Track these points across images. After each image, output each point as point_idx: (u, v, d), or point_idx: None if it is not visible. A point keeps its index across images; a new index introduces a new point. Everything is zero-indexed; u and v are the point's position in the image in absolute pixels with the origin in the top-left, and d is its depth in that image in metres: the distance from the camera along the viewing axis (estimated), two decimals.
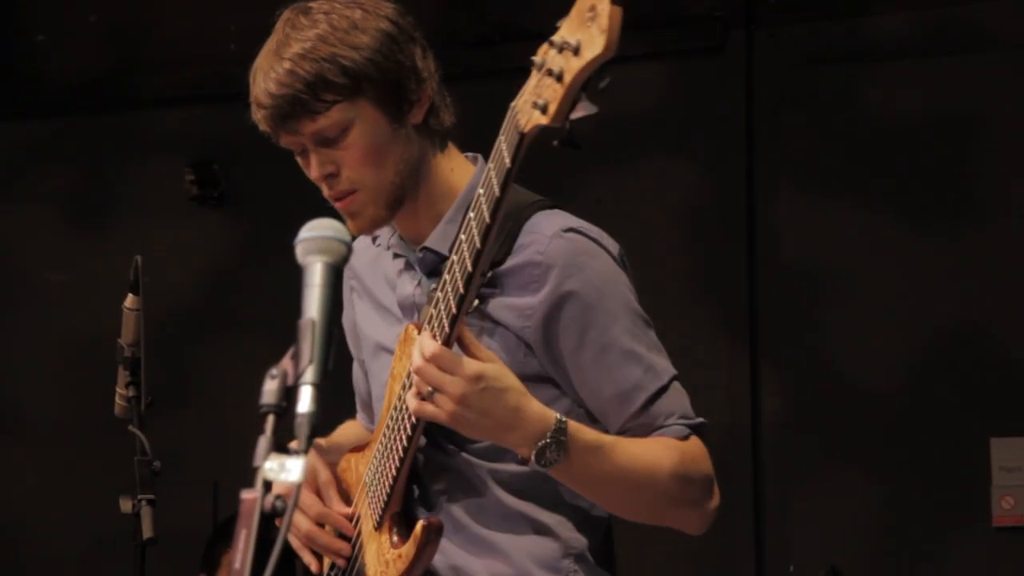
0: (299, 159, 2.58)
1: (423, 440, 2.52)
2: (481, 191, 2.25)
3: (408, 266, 2.60)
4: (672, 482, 2.44)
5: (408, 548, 2.49)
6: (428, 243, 2.55)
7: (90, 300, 5.65)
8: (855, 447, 5.15)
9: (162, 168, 5.85)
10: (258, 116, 2.57)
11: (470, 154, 2.63)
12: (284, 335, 1.83)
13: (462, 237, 2.30)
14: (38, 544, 5.82)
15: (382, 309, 2.66)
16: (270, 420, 1.79)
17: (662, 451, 2.45)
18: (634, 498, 2.45)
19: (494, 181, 2.22)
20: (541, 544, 2.52)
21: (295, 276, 1.88)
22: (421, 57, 2.53)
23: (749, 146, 5.31)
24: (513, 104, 2.18)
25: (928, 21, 5.21)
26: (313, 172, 2.54)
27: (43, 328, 5.92)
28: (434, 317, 2.36)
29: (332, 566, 2.68)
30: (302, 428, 1.77)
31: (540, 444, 2.34)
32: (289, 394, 1.80)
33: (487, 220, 2.24)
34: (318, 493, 2.65)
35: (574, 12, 2.10)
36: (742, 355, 5.22)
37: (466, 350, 2.34)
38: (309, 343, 1.80)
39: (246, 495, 1.76)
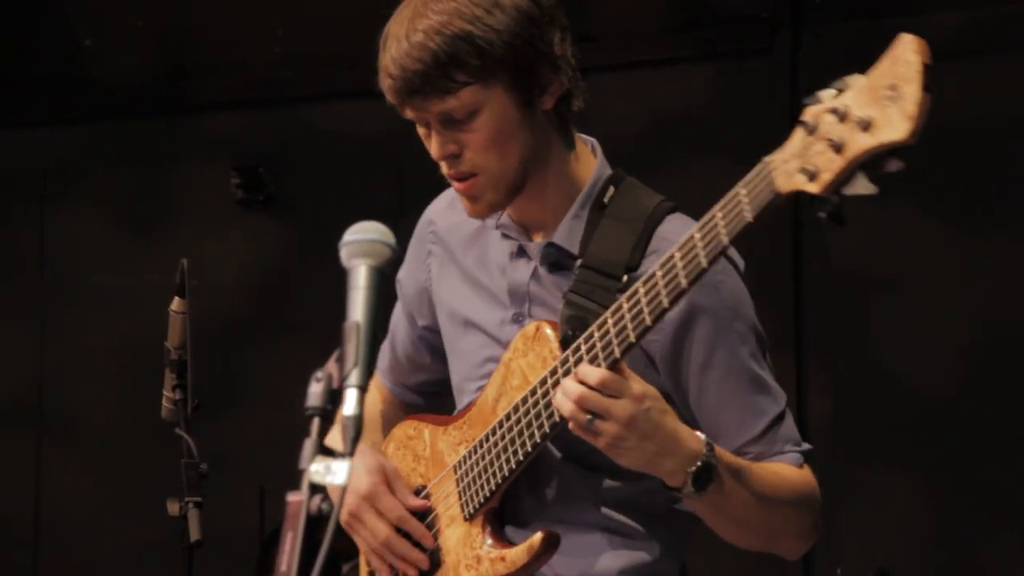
0: (420, 131, 2.49)
1: None
2: (700, 234, 2.14)
3: (522, 252, 2.51)
4: (793, 511, 2.43)
5: (518, 555, 2.43)
6: (555, 239, 2.46)
7: (137, 303, 5.68)
8: (903, 450, 5.12)
9: (208, 172, 5.87)
10: (384, 85, 2.48)
11: (586, 138, 2.53)
12: (329, 338, 1.83)
13: (658, 272, 2.19)
14: (87, 546, 5.84)
15: (478, 287, 2.57)
16: (315, 423, 1.79)
17: (785, 480, 2.43)
18: (760, 524, 2.41)
19: (722, 229, 2.12)
20: (629, 559, 2.49)
21: (340, 279, 1.88)
22: (559, 41, 2.42)
23: None
24: (768, 159, 2.08)
25: (976, 21, 5.18)
26: (435, 151, 2.45)
27: (92, 331, 5.95)
28: (597, 337, 2.27)
29: None
30: (348, 431, 1.77)
31: (695, 468, 2.29)
32: (334, 397, 1.80)
33: (704, 265, 2.14)
34: (391, 490, 2.56)
35: (867, 83, 2.01)
36: (789, 359, 5.20)
37: (623, 375, 2.28)
38: (354, 346, 1.80)
39: (292, 497, 1.76)
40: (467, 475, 2.49)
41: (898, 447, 5.13)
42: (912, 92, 1.96)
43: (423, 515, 2.57)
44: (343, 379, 1.80)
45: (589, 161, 2.50)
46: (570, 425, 2.29)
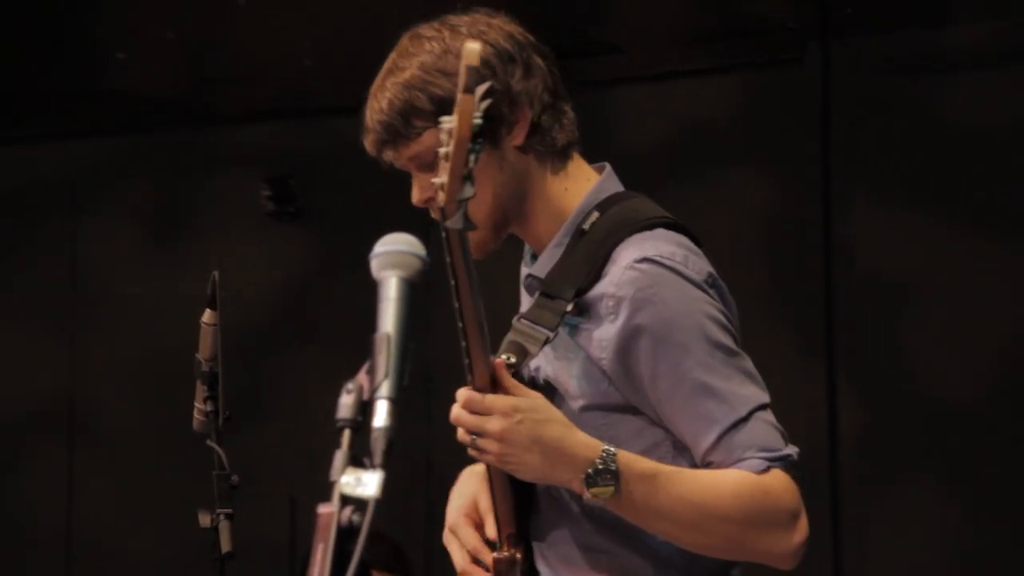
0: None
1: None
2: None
3: (531, 286, 2.61)
4: (738, 515, 2.38)
5: None
6: (532, 269, 2.55)
7: (168, 315, 5.69)
8: (935, 461, 5.10)
9: (239, 184, 5.89)
10: (365, 142, 2.66)
11: (598, 165, 2.59)
12: (360, 349, 1.83)
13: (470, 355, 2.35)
14: (118, 558, 5.86)
15: None
16: (346, 434, 1.79)
17: (729, 484, 2.38)
18: (700, 530, 2.39)
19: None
20: (648, 571, 2.48)
21: (371, 291, 1.88)
22: (521, 79, 2.51)
23: (825, 158, 5.28)
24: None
25: (1006, 31, 5.17)
26: (414, 197, 2.59)
27: (123, 343, 5.97)
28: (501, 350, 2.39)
29: None
30: (378, 442, 1.78)
31: (587, 473, 2.32)
32: (365, 408, 1.80)
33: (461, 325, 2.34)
34: (480, 522, 2.65)
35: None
36: (819, 369, 5.19)
37: (506, 390, 2.34)
38: (384, 357, 1.81)
39: (323, 509, 1.76)
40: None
41: (930, 459, 5.11)
42: (457, 97, 2.18)
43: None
44: (374, 391, 1.80)
45: (582, 188, 2.55)
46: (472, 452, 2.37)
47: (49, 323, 6.06)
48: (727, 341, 2.44)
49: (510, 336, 2.45)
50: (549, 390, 2.47)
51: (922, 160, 5.20)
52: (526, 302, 2.61)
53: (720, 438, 2.40)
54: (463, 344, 2.38)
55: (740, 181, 5.32)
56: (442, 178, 2.18)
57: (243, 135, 5.97)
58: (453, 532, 2.62)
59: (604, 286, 2.43)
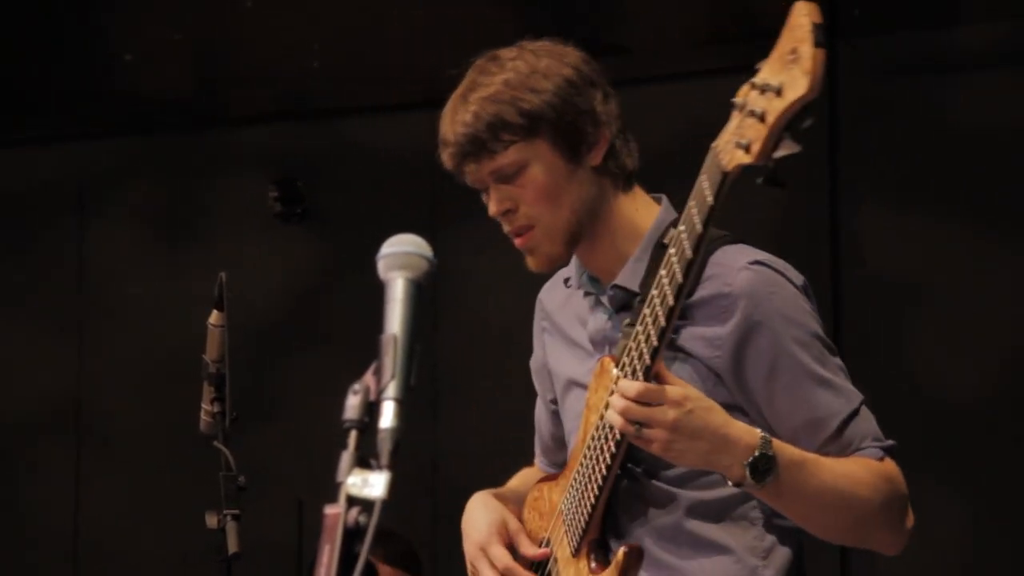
0: (483, 197, 2.67)
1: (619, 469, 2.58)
2: (683, 228, 2.32)
3: (598, 303, 2.68)
4: (875, 500, 2.51)
5: (609, 573, 2.55)
6: (618, 281, 2.63)
7: (175, 316, 5.70)
8: (940, 462, 5.10)
9: (246, 185, 5.89)
10: (444, 155, 2.66)
11: (655, 195, 2.71)
12: (367, 351, 1.83)
13: (662, 272, 2.36)
14: (125, 559, 5.86)
15: (574, 346, 2.75)
16: (353, 435, 1.79)
17: (862, 470, 2.51)
18: (840, 517, 2.50)
19: (696, 218, 2.29)
20: (729, 570, 2.57)
21: (377, 292, 1.88)
22: (602, 101, 2.63)
23: (832, 158, 5.28)
24: (714, 144, 2.27)
25: (1015, 32, 5.17)
26: (492, 208, 2.64)
27: (129, 344, 5.97)
28: (632, 350, 2.43)
29: None
30: (384, 443, 1.78)
31: (751, 459, 2.39)
32: (372, 409, 1.80)
33: (689, 255, 2.30)
34: (509, 542, 2.75)
35: (775, 54, 2.20)
36: None
37: (663, 382, 2.40)
38: (391, 358, 1.81)
39: (330, 510, 1.76)
40: (568, 515, 2.65)
41: (936, 461, 5.10)
42: (806, 51, 2.15)
43: (544, 564, 2.72)
44: (380, 391, 1.80)
45: (652, 210, 2.67)
46: (633, 441, 2.41)
47: (56, 324, 6.06)
48: (829, 341, 2.58)
49: (622, 341, 2.51)
50: None
51: (928, 161, 5.19)
52: (598, 314, 2.67)
53: (840, 428, 2.53)
54: (641, 327, 2.40)
55: (746, 181, 5.31)
56: (746, 138, 2.19)
57: (250, 137, 5.97)
58: (484, 550, 2.72)
59: (716, 287, 2.54)
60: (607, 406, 2.45)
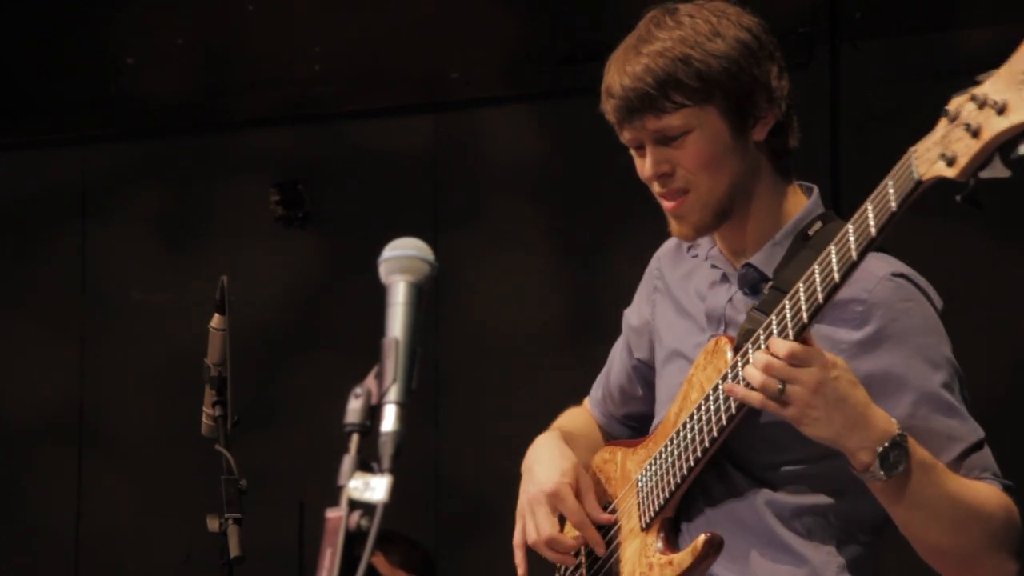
0: (634, 154, 2.57)
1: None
2: (851, 227, 2.26)
3: (724, 279, 2.60)
4: (997, 523, 2.42)
5: (683, 557, 2.49)
6: (753, 261, 2.54)
7: (177, 320, 5.70)
8: None
9: (248, 189, 5.89)
10: (606, 106, 2.55)
11: (807, 184, 2.64)
12: (368, 354, 1.83)
13: (816, 268, 2.29)
14: (127, 562, 5.86)
15: (686, 316, 2.66)
16: (354, 439, 1.79)
17: (988, 492, 2.44)
18: (958, 532, 2.41)
19: (871, 221, 2.23)
20: (790, 572, 2.50)
21: (379, 295, 1.88)
22: (776, 76, 2.55)
23: (835, 162, 5.28)
24: (913, 149, 2.18)
25: (1015, 35, 5.16)
26: (648, 169, 2.53)
27: (132, 347, 5.98)
28: (760, 338, 2.37)
29: (576, 552, 2.68)
30: (386, 447, 1.77)
31: (885, 447, 2.32)
32: (373, 413, 1.80)
33: (854, 258, 2.25)
34: (578, 495, 2.65)
35: (1004, 70, 2.09)
36: None
37: (808, 344, 2.33)
38: (393, 362, 1.80)
39: (331, 513, 1.76)
40: (646, 487, 2.58)
41: None
42: None
43: (607, 529, 2.65)
44: (382, 395, 1.80)
45: (800, 200, 2.60)
46: (757, 402, 2.33)
47: (59, 327, 6.06)
48: (960, 371, 2.52)
49: (745, 324, 2.45)
50: None
51: None
52: (720, 290, 2.59)
53: (962, 455, 2.44)
54: (776, 317, 2.34)
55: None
56: (953, 151, 2.09)
57: (252, 140, 5.97)
58: (554, 498, 2.62)
59: (854, 291, 2.43)
60: (726, 378, 2.39)
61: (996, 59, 5.74)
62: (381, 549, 4.32)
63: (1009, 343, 5.07)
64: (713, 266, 2.62)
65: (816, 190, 2.63)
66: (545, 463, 2.67)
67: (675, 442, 2.52)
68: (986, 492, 2.43)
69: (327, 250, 5.85)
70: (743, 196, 2.54)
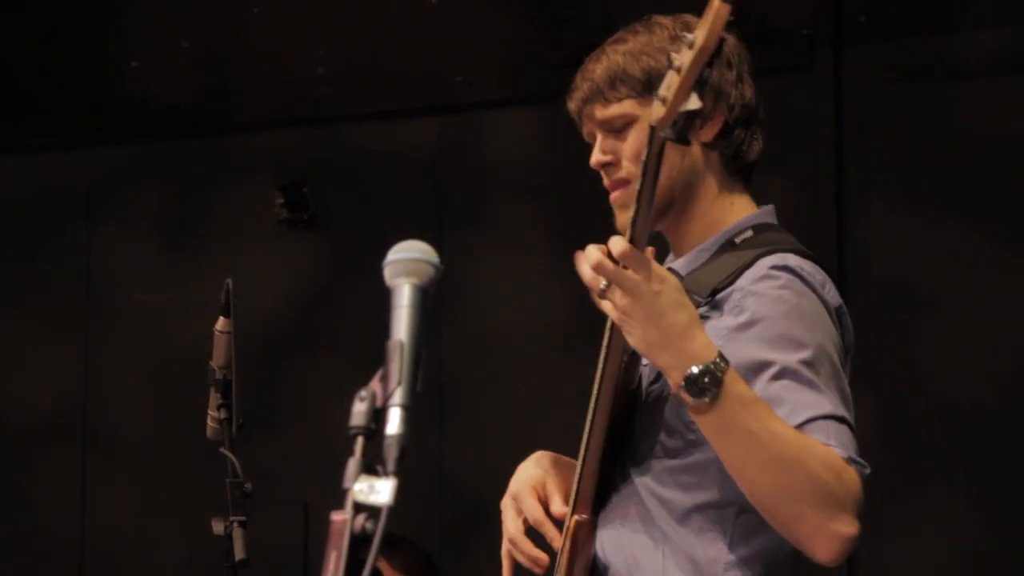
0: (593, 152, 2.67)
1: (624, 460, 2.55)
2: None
3: None
4: (815, 473, 2.37)
5: (563, 539, 2.55)
6: (675, 264, 2.60)
7: (182, 322, 5.70)
8: (950, 469, 5.09)
9: (252, 191, 5.90)
10: (569, 102, 2.71)
11: (766, 205, 2.68)
12: (373, 357, 1.83)
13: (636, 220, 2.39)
14: (131, 565, 5.86)
15: None
16: (359, 442, 1.79)
17: (816, 444, 2.39)
18: (775, 473, 2.37)
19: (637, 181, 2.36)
20: (675, 564, 2.51)
21: (384, 298, 1.88)
22: (731, 82, 2.62)
23: (838, 164, 5.27)
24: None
25: (1019, 37, 5.16)
26: (593, 158, 2.64)
27: (137, 350, 5.98)
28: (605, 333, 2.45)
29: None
30: (391, 450, 1.78)
31: (692, 372, 2.34)
32: (378, 416, 1.80)
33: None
34: (546, 501, 2.68)
35: (703, 15, 2.28)
36: None
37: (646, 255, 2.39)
38: (398, 365, 1.81)
39: (336, 516, 1.76)
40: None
41: (945, 467, 5.10)
42: (713, 4, 2.24)
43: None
44: (387, 398, 1.80)
45: (744, 210, 2.63)
46: (593, 299, 2.41)
47: (62, 330, 6.07)
48: (837, 360, 2.49)
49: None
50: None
51: (935, 167, 5.19)
52: None
53: (809, 421, 2.41)
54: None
55: (753, 185, 5.31)
56: (666, 91, 2.27)
57: (256, 142, 5.98)
58: (516, 499, 2.67)
59: (738, 283, 2.50)
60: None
61: (999, 60, 5.75)
62: (383, 553, 4.32)
63: (1003, 344, 5.06)
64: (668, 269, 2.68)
65: (770, 209, 2.67)
66: (518, 474, 2.73)
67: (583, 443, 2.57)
68: (819, 447, 2.38)
69: (331, 252, 5.85)
70: (684, 194, 2.60)
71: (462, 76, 5.75)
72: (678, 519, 2.52)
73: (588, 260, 2.40)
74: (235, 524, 3.03)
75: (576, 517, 2.53)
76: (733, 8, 2.23)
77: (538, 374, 5.49)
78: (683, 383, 2.35)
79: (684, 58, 2.24)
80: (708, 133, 2.59)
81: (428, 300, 1.88)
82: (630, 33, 2.65)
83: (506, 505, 2.69)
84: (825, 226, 5.24)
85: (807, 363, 2.45)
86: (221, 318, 3.15)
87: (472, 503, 5.31)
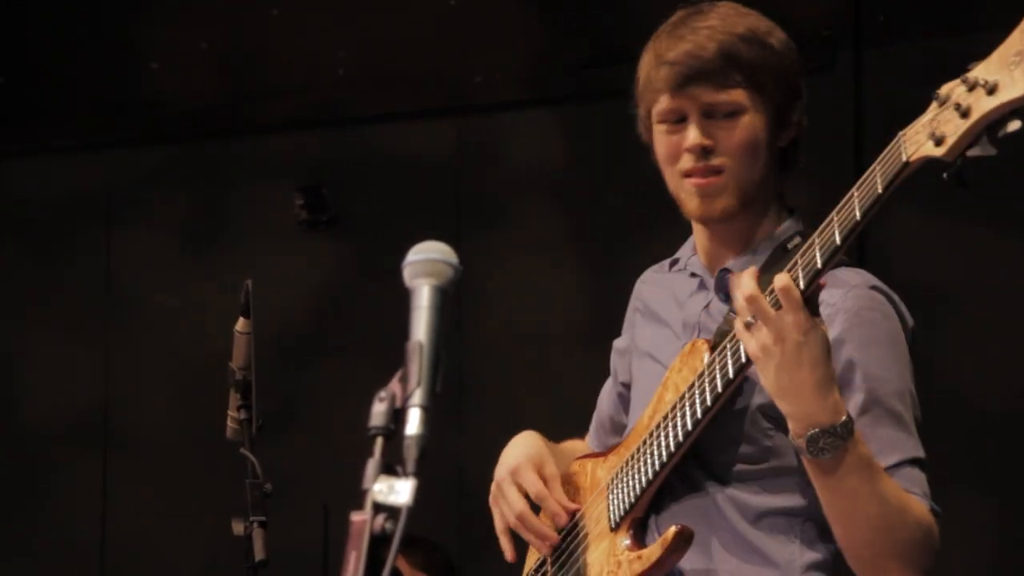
0: (663, 129, 2.55)
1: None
2: (835, 216, 2.27)
3: (701, 286, 2.61)
4: (916, 533, 2.40)
5: (652, 551, 2.49)
6: (730, 266, 2.55)
7: (202, 324, 5.71)
8: (971, 470, 5.08)
9: (272, 193, 5.91)
10: (658, 72, 2.53)
11: (788, 206, 2.65)
12: (392, 358, 1.83)
13: (798, 258, 2.31)
14: (151, 566, 5.88)
15: (662, 325, 2.66)
16: (379, 442, 1.79)
17: (916, 505, 2.42)
18: (876, 531, 2.38)
19: (856, 204, 2.23)
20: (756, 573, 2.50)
21: (403, 299, 1.88)
22: (803, 89, 2.59)
23: (858, 165, 5.27)
24: (902, 132, 2.19)
25: None
26: (690, 139, 2.51)
27: (157, 352, 5.99)
28: (729, 346, 2.38)
29: (541, 563, 2.68)
30: (410, 450, 1.78)
31: (815, 431, 2.30)
32: (397, 416, 1.80)
33: (837, 242, 2.27)
34: (544, 482, 2.65)
35: (996, 55, 2.11)
36: None
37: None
38: (417, 365, 1.80)
39: (356, 517, 1.76)
40: (616, 488, 2.57)
41: (966, 468, 5.08)
42: None
43: (574, 535, 2.63)
44: (406, 399, 1.80)
45: (782, 218, 2.60)
46: (736, 328, 2.33)
47: (83, 332, 6.08)
48: (914, 395, 2.51)
49: (721, 326, 2.47)
50: (747, 381, 2.48)
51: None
52: (697, 298, 2.61)
53: (898, 465, 2.42)
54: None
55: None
56: (947, 126, 2.11)
57: (276, 145, 5.99)
58: (515, 475, 2.63)
59: (825, 295, 2.41)
60: (699, 386, 2.38)
61: None
62: (402, 552, 4.32)
63: None
64: (692, 274, 2.64)
65: (797, 211, 2.64)
66: (511, 450, 2.69)
67: (648, 442, 2.52)
68: (915, 506, 2.42)
69: (351, 254, 5.86)
70: (762, 194, 2.56)
71: (481, 78, 5.75)
72: (752, 521, 2.51)
73: (743, 290, 2.31)
74: (255, 524, 3.03)
75: (676, 527, 2.47)
76: None
77: (557, 374, 5.48)
78: (805, 439, 2.32)
79: (977, 101, 2.08)
80: (786, 138, 2.57)
81: (447, 301, 1.88)
82: (731, 11, 2.53)
83: (504, 480, 2.65)
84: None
85: (898, 395, 2.47)
86: (241, 319, 3.15)
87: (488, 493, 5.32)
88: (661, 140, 2.55)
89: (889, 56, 5.29)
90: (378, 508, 1.75)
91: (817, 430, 2.31)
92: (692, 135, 2.51)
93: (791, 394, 2.31)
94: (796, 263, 2.28)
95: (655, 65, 2.53)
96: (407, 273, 1.88)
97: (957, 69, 5.93)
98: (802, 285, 2.26)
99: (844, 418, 2.32)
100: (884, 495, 2.37)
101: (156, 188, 6.08)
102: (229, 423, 3.15)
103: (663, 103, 2.53)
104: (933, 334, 5.21)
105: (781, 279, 2.29)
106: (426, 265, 1.88)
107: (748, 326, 2.32)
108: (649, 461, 2.51)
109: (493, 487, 2.70)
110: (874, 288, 2.52)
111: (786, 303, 2.29)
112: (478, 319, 5.55)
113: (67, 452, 6.01)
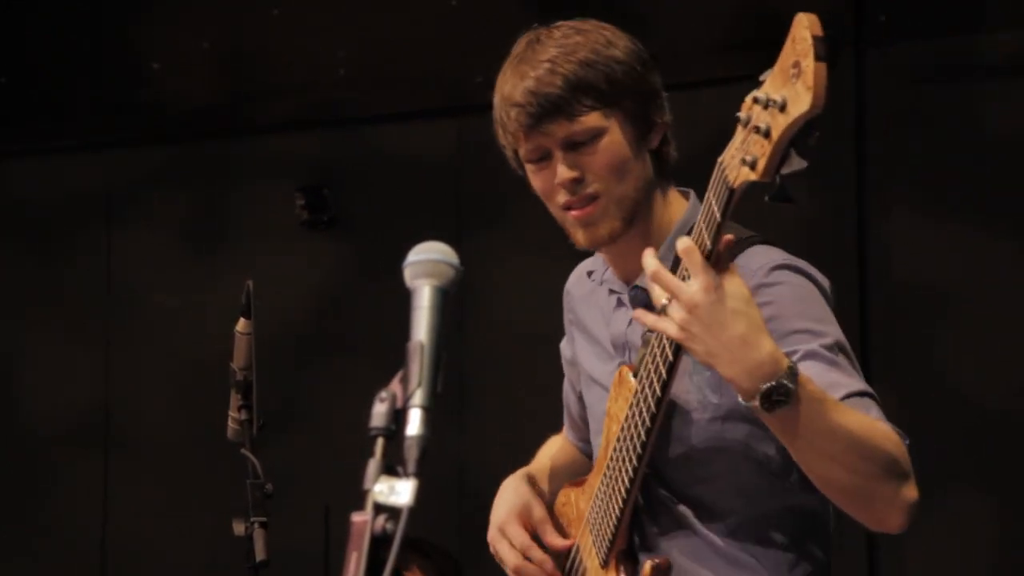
0: (532, 168, 2.57)
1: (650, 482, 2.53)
2: (692, 243, 2.25)
3: (620, 303, 2.61)
4: (886, 455, 2.35)
5: None
6: (639, 282, 2.54)
7: (202, 324, 5.71)
8: (972, 471, 5.08)
9: (273, 193, 5.91)
10: (509, 115, 2.57)
11: (684, 189, 2.63)
12: (394, 358, 1.84)
13: (700, 221, 2.27)
14: (153, 566, 5.88)
15: (595, 343, 2.67)
16: (379, 443, 1.79)
17: (880, 425, 2.38)
18: (851, 460, 2.33)
19: (705, 235, 2.22)
20: None
21: (404, 299, 1.88)
22: (661, 85, 2.58)
23: (860, 165, 5.27)
24: (720, 159, 2.19)
25: None
26: (562, 174, 2.52)
27: (157, 352, 5.99)
28: (649, 363, 2.36)
29: None
30: (411, 451, 1.78)
31: (767, 386, 2.24)
32: (398, 417, 1.80)
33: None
34: (534, 531, 2.70)
35: (777, 68, 2.14)
36: None
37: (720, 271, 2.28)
38: (418, 366, 1.81)
39: (357, 517, 1.76)
40: (595, 525, 2.59)
41: (967, 468, 5.09)
42: (808, 65, 2.08)
43: (573, 569, 2.66)
44: (407, 399, 1.80)
45: (681, 206, 2.58)
46: (650, 321, 2.31)
47: (83, 333, 6.08)
48: (845, 343, 2.47)
49: (641, 350, 2.44)
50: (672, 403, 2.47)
51: (957, 167, 5.18)
52: (620, 315, 2.61)
53: (845, 398, 2.37)
54: (656, 339, 2.35)
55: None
56: (756, 148, 2.11)
57: (277, 145, 5.99)
58: (502, 530, 2.67)
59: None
60: (636, 415, 2.40)
61: (1021, 61, 5.74)
62: (416, 562, 4.33)
63: None
64: (610, 291, 2.63)
65: (692, 193, 2.61)
66: (499, 505, 2.74)
67: (607, 476, 2.52)
68: (879, 424, 2.38)
69: (352, 254, 5.86)
70: (645, 204, 2.54)
71: (481, 78, 5.74)
72: (728, 533, 2.51)
73: (647, 269, 2.28)
74: (256, 525, 3.04)
75: (652, 562, 2.48)
76: (831, 67, 2.08)
77: (558, 374, 5.48)
78: (758, 398, 2.25)
79: (774, 120, 2.09)
80: (655, 140, 2.56)
81: (448, 301, 1.88)
82: (567, 38, 2.52)
83: (496, 538, 2.70)
84: (846, 226, 5.23)
85: (827, 347, 2.43)
86: (242, 319, 3.15)
87: (491, 503, 5.32)
88: (534, 179, 2.58)
89: (889, 56, 5.29)
90: (379, 509, 1.75)
91: (765, 386, 2.24)
92: (560, 172, 2.51)
93: (724, 357, 2.24)
94: (698, 225, 2.25)
95: (504, 107, 2.56)
96: (408, 273, 1.88)
97: (957, 69, 5.94)
98: (708, 243, 2.23)
99: (787, 363, 2.26)
100: (846, 423, 2.32)
101: (156, 188, 6.08)
102: (230, 423, 3.16)
103: (523, 145, 2.55)
104: (933, 334, 5.22)
105: (682, 241, 2.26)
106: (427, 266, 1.88)
107: (663, 310, 2.28)
108: (613, 497, 2.51)
109: (489, 541, 2.75)
110: (779, 268, 2.49)
111: (691, 266, 2.25)
112: (479, 319, 5.55)
113: (67, 452, 6.01)
